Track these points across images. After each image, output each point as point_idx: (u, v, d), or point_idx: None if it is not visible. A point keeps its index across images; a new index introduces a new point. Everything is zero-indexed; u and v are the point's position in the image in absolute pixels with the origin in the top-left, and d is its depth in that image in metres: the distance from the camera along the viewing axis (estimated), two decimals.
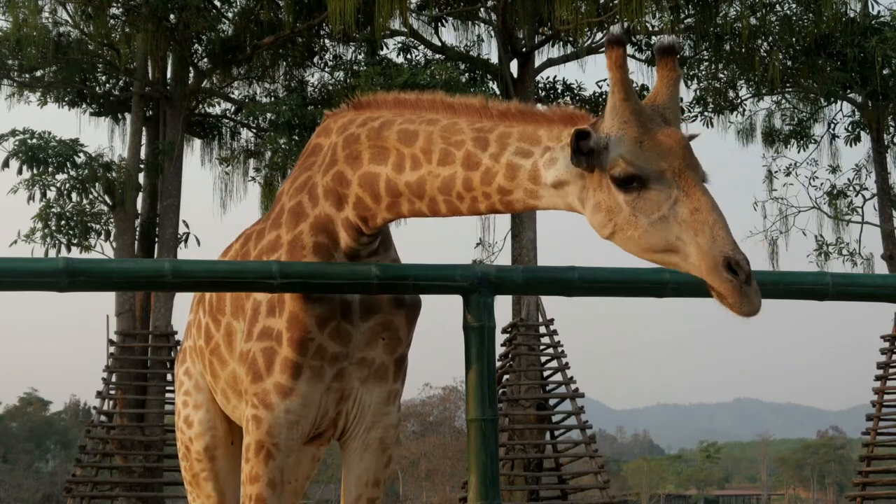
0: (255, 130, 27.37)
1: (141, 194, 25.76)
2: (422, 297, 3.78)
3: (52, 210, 23.87)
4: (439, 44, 25.34)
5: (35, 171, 23.39)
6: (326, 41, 26.31)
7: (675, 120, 3.08)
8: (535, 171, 3.18)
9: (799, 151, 28.47)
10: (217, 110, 28.30)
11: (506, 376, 23.11)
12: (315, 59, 26.53)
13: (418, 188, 3.39)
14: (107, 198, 24.62)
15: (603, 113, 3.08)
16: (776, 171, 28.65)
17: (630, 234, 2.99)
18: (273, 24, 24.67)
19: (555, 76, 27.49)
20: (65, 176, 23.81)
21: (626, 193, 2.98)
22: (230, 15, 25.52)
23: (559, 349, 22.79)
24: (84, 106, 26.72)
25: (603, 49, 3.04)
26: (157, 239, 25.31)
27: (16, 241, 23.65)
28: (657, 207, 2.95)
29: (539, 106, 3.31)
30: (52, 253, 23.45)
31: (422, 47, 25.26)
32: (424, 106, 3.50)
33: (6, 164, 23.38)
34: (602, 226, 3.04)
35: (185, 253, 25.30)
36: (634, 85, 26.39)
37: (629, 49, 25.18)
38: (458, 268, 3.58)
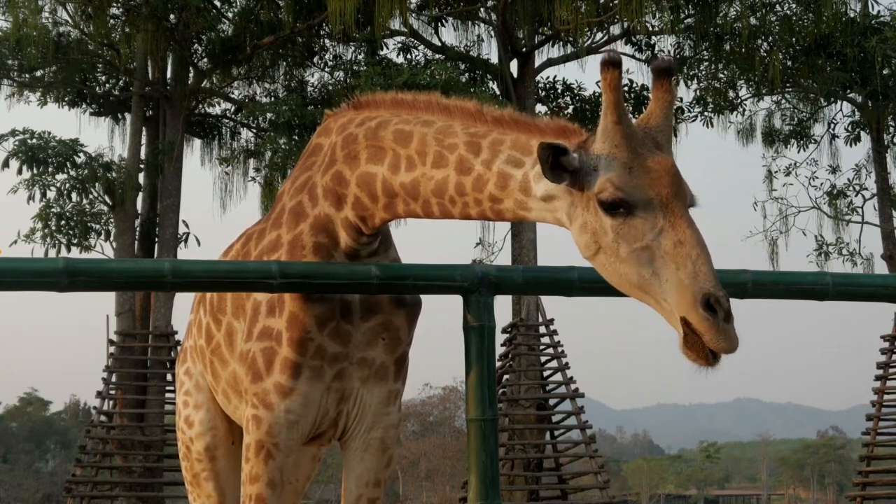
0: (255, 130, 27.37)
1: (141, 194, 25.76)
2: (422, 297, 3.78)
3: (52, 210, 23.86)
4: (439, 44, 25.34)
5: (35, 171, 23.38)
6: (326, 41, 26.31)
7: (666, 144, 3.06)
8: (526, 182, 3.16)
9: (799, 151, 28.50)
10: (217, 110, 28.32)
11: (506, 376, 23.10)
12: (315, 59, 26.53)
13: (413, 189, 3.40)
14: (107, 198, 24.61)
15: (595, 130, 3.06)
16: (776, 171, 28.66)
17: (612, 260, 2.97)
18: (273, 24, 24.66)
19: (555, 76, 27.47)
20: (65, 176, 23.81)
21: (613, 218, 2.95)
22: (230, 15, 25.51)
23: (559, 349, 22.77)
24: (84, 106, 26.73)
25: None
26: (157, 239, 25.31)
27: (16, 241, 23.67)
28: (641, 236, 2.93)
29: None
30: (52, 253, 23.44)
31: (422, 47, 25.26)
32: (420, 107, 3.50)
33: (6, 164, 23.38)
34: (586, 246, 3.03)
35: (185, 253, 25.31)
36: (634, 84, 26.42)
37: (629, 49, 25.37)
38: (458, 268, 3.58)
